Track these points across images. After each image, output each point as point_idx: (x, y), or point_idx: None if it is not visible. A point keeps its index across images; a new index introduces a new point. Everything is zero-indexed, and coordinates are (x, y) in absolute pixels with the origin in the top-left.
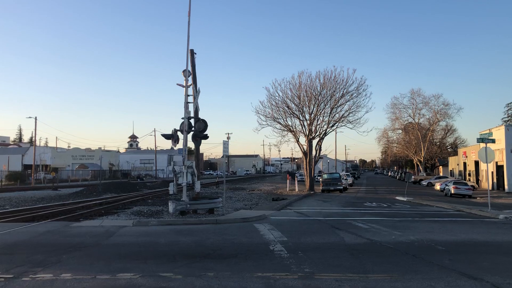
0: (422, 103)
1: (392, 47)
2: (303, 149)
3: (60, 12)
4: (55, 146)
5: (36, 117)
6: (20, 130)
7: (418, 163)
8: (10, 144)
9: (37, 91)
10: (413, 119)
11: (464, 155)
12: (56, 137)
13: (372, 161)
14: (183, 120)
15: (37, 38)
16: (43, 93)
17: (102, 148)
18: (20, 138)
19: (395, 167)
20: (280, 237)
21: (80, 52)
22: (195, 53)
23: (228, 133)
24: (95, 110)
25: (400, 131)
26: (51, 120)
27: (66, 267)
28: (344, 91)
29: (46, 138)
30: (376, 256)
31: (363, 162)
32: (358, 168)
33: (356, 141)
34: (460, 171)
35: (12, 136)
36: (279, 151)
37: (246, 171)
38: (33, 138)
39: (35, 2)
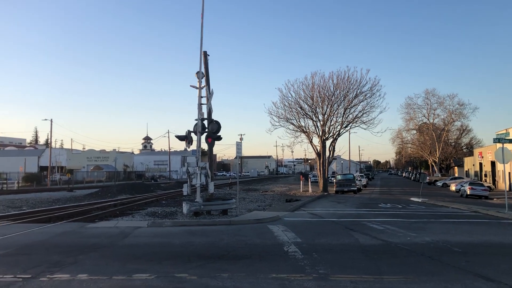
0: (436, 103)
1: (406, 47)
2: (317, 150)
3: (73, 11)
4: (70, 147)
5: (51, 119)
6: (36, 132)
7: (433, 163)
8: (27, 146)
9: (52, 93)
10: (428, 119)
11: (480, 156)
12: (71, 139)
13: (386, 161)
14: (196, 121)
15: (53, 38)
16: (58, 95)
17: (117, 150)
18: (36, 140)
19: (410, 168)
20: (294, 238)
21: (95, 54)
22: (208, 55)
23: (241, 134)
24: (109, 112)
25: (415, 131)
26: (66, 122)
27: (82, 268)
28: (358, 91)
29: (62, 140)
30: (391, 257)
31: (377, 163)
32: (372, 169)
33: (370, 142)
34: (476, 172)
35: (28, 138)
36: (292, 152)
37: (259, 172)
38: (49, 140)
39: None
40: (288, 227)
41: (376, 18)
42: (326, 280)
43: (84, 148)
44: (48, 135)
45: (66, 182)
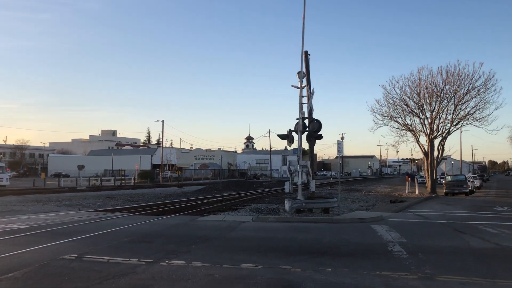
0: None
1: None
2: (424, 149)
3: (180, 18)
4: (179, 147)
5: (163, 121)
6: (149, 132)
7: None
8: (141, 146)
9: (164, 95)
10: None
11: None
12: (180, 139)
13: (504, 162)
14: (297, 120)
15: (162, 45)
16: (169, 97)
17: (221, 149)
18: (149, 140)
19: None
20: (398, 238)
21: (201, 59)
22: (309, 54)
23: (342, 133)
24: (215, 113)
25: None
26: (176, 122)
27: (195, 256)
28: (470, 86)
29: (171, 140)
30: (506, 261)
31: (493, 163)
32: (487, 170)
33: (485, 141)
34: None
35: (142, 138)
36: (397, 151)
37: (362, 172)
38: (160, 140)
39: (149, 10)
40: (392, 228)
41: (488, 7)
42: (432, 280)
43: (191, 147)
44: (159, 135)
45: (176, 179)
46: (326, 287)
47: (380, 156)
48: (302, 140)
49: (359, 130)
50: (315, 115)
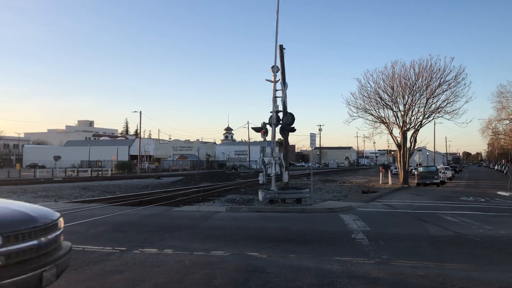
0: None
1: (497, 31)
2: (397, 141)
3: (159, 11)
4: (157, 138)
5: (140, 111)
6: (127, 123)
7: None
8: (118, 136)
9: (141, 86)
10: None
11: None
12: (159, 130)
13: (478, 153)
14: (271, 113)
15: (138, 39)
16: (147, 88)
17: (200, 140)
18: (127, 131)
19: (503, 161)
20: (363, 227)
21: (179, 50)
22: (284, 48)
23: (320, 125)
24: (193, 104)
25: (508, 121)
26: (154, 113)
27: (168, 244)
28: (441, 80)
29: (150, 131)
30: (458, 248)
31: (467, 154)
32: (460, 161)
33: (459, 133)
34: None
35: (120, 128)
36: (374, 143)
37: (339, 163)
38: (138, 131)
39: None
40: (359, 217)
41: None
42: (387, 265)
43: (170, 138)
44: (137, 126)
45: (154, 170)
46: (287, 271)
47: (358, 147)
48: (276, 133)
49: (337, 121)
50: (291, 108)
